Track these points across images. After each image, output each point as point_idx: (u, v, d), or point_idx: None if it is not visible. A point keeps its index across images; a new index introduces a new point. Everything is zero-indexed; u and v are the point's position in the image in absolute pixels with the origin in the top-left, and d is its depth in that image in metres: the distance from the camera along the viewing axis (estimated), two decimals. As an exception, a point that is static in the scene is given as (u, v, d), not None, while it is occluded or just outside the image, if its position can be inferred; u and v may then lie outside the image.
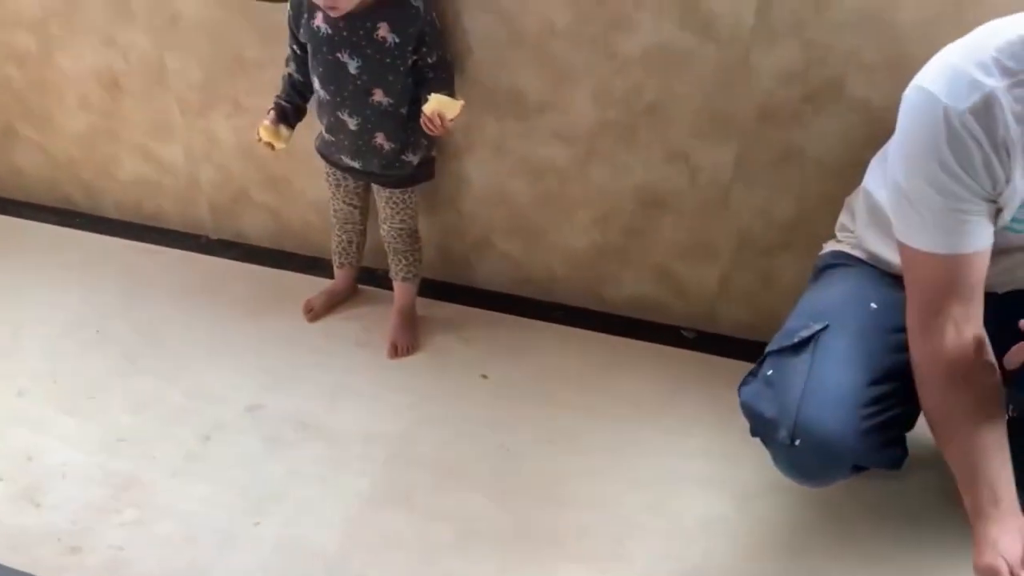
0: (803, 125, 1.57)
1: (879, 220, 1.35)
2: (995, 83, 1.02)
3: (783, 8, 1.48)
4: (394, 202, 1.80)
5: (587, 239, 1.88)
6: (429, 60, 1.62)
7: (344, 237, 1.92)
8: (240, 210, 2.15)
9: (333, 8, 1.53)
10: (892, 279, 1.35)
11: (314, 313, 1.97)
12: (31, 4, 2.03)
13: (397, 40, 1.57)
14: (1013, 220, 1.14)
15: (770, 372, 1.32)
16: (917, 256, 1.14)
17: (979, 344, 1.13)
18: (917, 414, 1.37)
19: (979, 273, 1.13)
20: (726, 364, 1.80)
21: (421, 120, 1.59)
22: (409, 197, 1.81)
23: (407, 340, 1.89)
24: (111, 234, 2.27)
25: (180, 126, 2.07)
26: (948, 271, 1.12)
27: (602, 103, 1.68)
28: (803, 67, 1.52)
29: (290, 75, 1.72)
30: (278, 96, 1.73)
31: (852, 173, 1.47)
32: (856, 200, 1.45)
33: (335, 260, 1.98)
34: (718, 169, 1.68)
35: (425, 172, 1.80)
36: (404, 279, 1.90)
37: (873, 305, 1.33)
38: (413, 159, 1.73)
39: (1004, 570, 1.02)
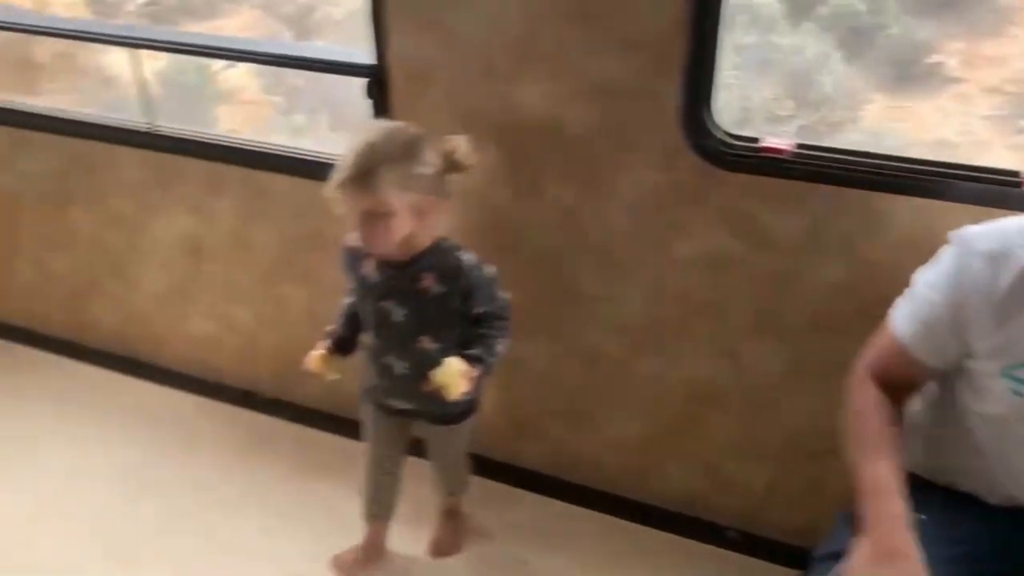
0: (855, 337, 1.62)
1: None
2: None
3: (830, 231, 1.57)
4: (442, 437, 1.77)
5: (637, 427, 1.91)
6: (477, 311, 1.58)
7: (378, 482, 1.78)
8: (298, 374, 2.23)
9: (372, 251, 1.53)
10: (941, 493, 1.36)
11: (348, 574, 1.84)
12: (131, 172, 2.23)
13: (442, 290, 1.55)
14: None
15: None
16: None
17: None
18: None
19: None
20: (768, 569, 1.77)
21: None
22: (459, 430, 1.75)
23: (451, 541, 1.91)
24: (172, 386, 2.37)
25: (253, 291, 2.20)
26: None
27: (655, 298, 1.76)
28: (851, 283, 1.59)
29: (349, 306, 1.68)
30: (334, 327, 1.69)
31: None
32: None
33: (367, 510, 1.81)
34: (765, 367, 1.72)
35: (474, 406, 1.74)
36: (451, 493, 1.89)
37: (923, 517, 1.32)
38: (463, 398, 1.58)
39: None
